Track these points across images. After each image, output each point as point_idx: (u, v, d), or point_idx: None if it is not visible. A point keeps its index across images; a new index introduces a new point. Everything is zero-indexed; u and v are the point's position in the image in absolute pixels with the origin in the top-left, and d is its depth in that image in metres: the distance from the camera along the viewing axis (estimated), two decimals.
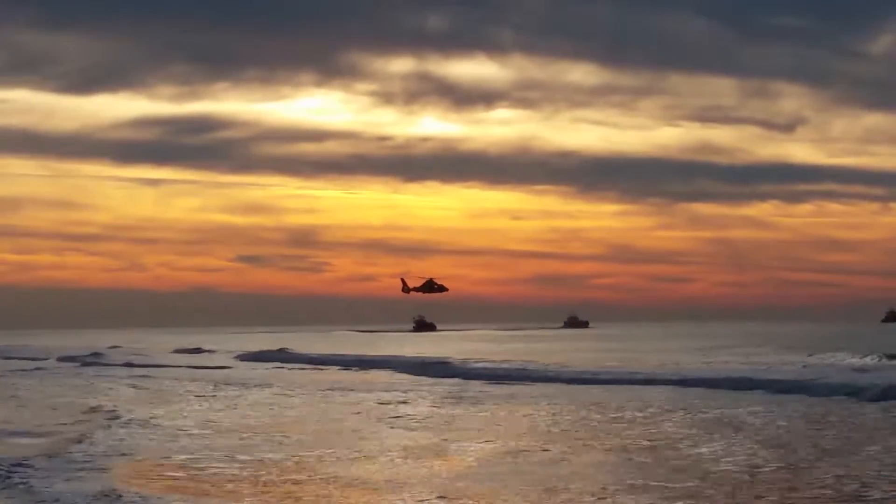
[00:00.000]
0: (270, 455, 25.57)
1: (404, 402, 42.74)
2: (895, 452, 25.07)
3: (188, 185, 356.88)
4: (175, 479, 22.03)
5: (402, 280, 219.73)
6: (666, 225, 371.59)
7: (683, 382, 50.70)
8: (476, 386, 53.10)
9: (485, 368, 65.76)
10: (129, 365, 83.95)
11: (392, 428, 32.32)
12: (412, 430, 31.69)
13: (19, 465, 23.10)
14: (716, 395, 43.92)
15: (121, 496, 19.28)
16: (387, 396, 46.23)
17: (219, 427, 32.78)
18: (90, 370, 77.49)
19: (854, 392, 41.75)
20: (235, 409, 40.43)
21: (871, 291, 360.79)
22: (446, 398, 44.59)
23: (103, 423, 33.47)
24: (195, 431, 31.37)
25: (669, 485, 20.64)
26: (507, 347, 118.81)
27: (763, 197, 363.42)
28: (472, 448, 26.82)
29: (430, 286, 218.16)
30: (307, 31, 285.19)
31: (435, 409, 39.43)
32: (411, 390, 50.36)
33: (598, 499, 19.31)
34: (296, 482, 21.41)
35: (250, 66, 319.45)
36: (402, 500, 19.44)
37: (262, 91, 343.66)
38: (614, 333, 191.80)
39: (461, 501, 19.17)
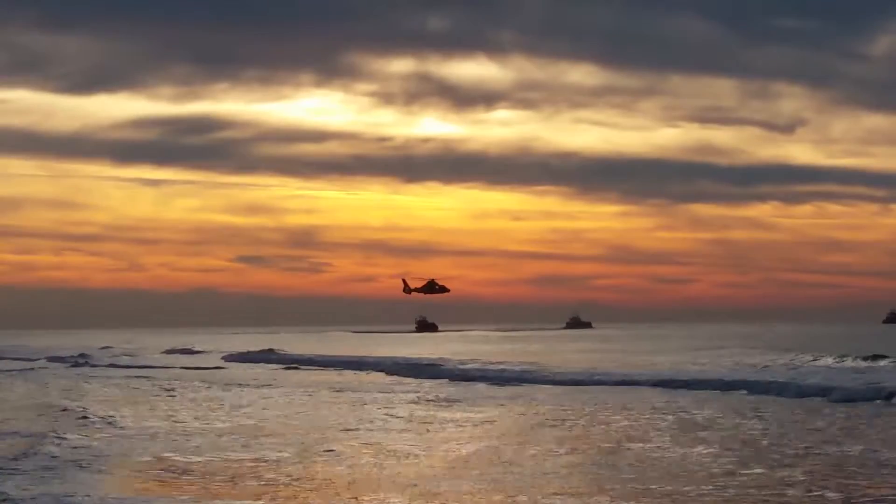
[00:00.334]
0: (230, 455, 25.50)
1: (377, 404, 42.63)
2: (831, 455, 25.04)
3: (188, 185, 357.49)
4: (115, 478, 22.01)
5: (404, 281, 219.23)
6: (666, 226, 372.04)
7: (664, 384, 50.91)
8: (458, 387, 53.13)
9: (476, 370, 65.69)
10: (114, 366, 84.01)
11: (350, 430, 32.09)
12: (373, 431, 31.59)
13: None
14: (689, 397, 43.96)
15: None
16: (363, 397, 46.15)
17: (184, 428, 32.62)
18: (76, 371, 77.66)
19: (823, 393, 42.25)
20: (208, 409, 40.32)
21: (871, 292, 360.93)
22: (422, 400, 44.58)
23: (69, 425, 33.30)
24: (157, 432, 31.23)
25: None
26: (506, 348, 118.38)
27: (763, 198, 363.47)
28: (420, 451, 26.80)
29: (432, 287, 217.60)
30: (307, 32, 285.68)
31: (405, 410, 39.37)
32: (390, 392, 50.28)
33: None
34: (253, 483, 21.39)
35: (250, 66, 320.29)
36: (357, 500, 19.42)
37: (262, 91, 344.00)
38: (615, 334, 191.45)
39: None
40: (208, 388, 53.97)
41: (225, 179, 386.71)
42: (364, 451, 26.36)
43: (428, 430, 31.65)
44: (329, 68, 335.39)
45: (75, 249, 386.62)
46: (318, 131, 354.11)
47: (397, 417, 36.09)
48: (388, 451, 26.36)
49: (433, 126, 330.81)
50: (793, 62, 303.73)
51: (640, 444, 27.20)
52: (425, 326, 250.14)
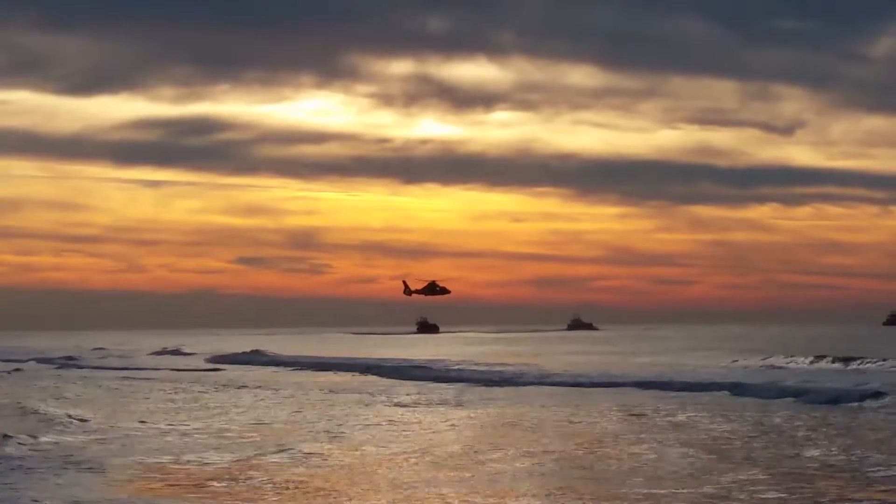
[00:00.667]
0: (188, 457, 25.31)
1: (347, 405, 42.34)
2: (791, 458, 24.93)
3: (189, 186, 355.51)
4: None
5: (404, 282, 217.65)
6: (666, 227, 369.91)
7: (640, 385, 50.92)
8: (438, 389, 52.71)
9: (466, 371, 65.47)
10: (98, 368, 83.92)
11: (310, 433, 31.82)
12: (331, 434, 31.35)
13: None
14: (668, 398, 43.77)
15: None
16: (337, 398, 45.91)
17: (146, 430, 32.44)
18: (59, 372, 77.70)
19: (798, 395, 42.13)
20: (175, 410, 40.07)
21: (870, 294, 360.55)
22: (392, 402, 44.32)
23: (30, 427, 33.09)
24: (113, 434, 31.00)
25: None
26: (507, 350, 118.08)
27: (763, 199, 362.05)
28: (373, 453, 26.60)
29: (433, 288, 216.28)
30: (308, 33, 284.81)
31: (376, 412, 39.12)
32: (369, 392, 49.91)
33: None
34: (206, 484, 21.30)
35: (251, 67, 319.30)
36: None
37: (262, 93, 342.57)
38: (615, 336, 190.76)
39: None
40: (175, 391, 53.56)
41: (225, 181, 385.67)
42: (320, 452, 26.17)
43: (389, 431, 31.34)
44: (329, 69, 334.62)
45: (75, 250, 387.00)
46: (318, 132, 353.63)
47: (362, 418, 35.84)
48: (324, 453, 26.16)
49: (433, 127, 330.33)
50: (793, 63, 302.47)
51: (611, 445, 27.08)
52: (426, 328, 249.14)
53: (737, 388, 46.06)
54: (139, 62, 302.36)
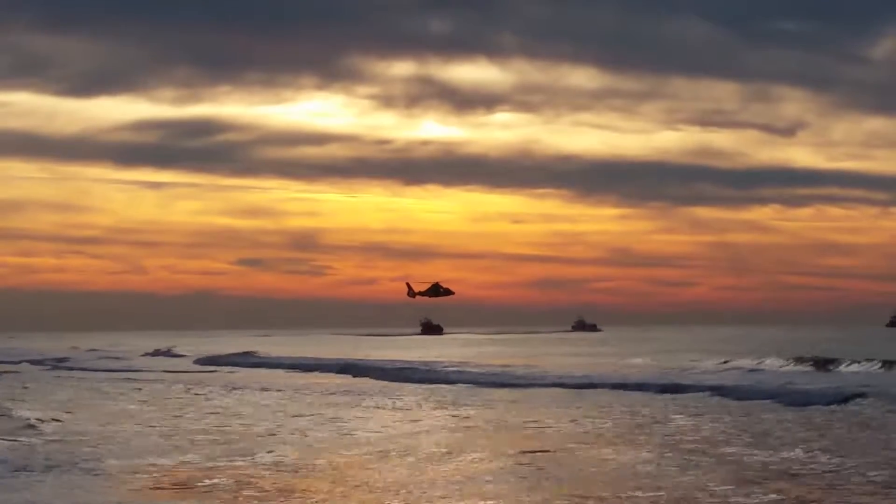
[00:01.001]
0: (147, 459, 25.07)
1: (323, 405, 42.05)
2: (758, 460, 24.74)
3: (189, 188, 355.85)
4: None
5: (408, 284, 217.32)
6: (666, 229, 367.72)
7: (621, 386, 50.87)
8: (424, 391, 52.40)
9: (450, 373, 65.12)
10: (88, 369, 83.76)
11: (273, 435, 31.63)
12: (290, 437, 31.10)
13: None
14: (643, 400, 43.63)
15: None
16: (317, 399, 45.70)
17: (113, 431, 32.22)
18: (51, 373, 77.74)
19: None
20: (144, 412, 39.84)
21: (871, 296, 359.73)
22: (362, 403, 44.14)
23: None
24: (73, 437, 30.76)
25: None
26: (500, 351, 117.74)
27: (764, 201, 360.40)
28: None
29: (437, 290, 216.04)
30: (308, 35, 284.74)
31: (350, 413, 38.93)
32: (353, 393, 49.63)
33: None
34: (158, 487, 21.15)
35: (252, 69, 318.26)
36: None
37: (263, 94, 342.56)
38: (616, 337, 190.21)
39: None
40: (153, 392, 53.51)
41: (226, 182, 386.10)
42: (282, 454, 26.00)
43: (351, 433, 31.08)
44: (330, 71, 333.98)
45: (77, 252, 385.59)
46: (318, 134, 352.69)
47: (331, 419, 35.55)
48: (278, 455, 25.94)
49: (434, 129, 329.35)
50: (794, 65, 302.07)
51: (576, 447, 26.89)
52: (430, 329, 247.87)
53: (719, 390, 45.72)
54: (140, 63, 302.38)
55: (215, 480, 21.80)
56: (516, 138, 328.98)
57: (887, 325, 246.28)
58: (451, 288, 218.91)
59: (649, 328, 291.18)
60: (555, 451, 26.17)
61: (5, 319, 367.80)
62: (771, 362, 67.08)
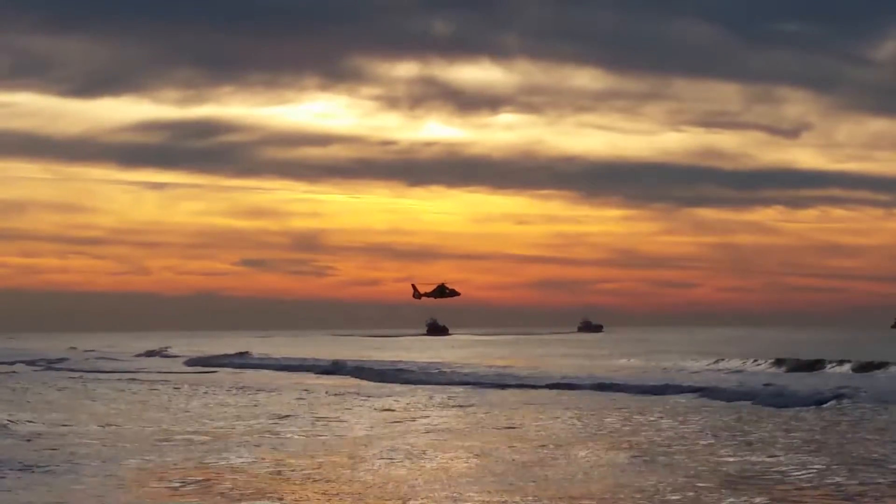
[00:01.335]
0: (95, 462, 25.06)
1: (307, 406, 42.03)
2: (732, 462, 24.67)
3: (193, 188, 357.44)
4: None
5: (413, 286, 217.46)
6: (670, 230, 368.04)
7: (600, 387, 51.08)
8: (411, 392, 52.33)
9: (440, 374, 64.94)
10: (81, 370, 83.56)
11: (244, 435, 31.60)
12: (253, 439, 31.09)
13: None
14: (622, 400, 43.65)
15: None
16: (300, 400, 45.63)
17: (83, 432, 32.17)
18: (43, 374, 77.72)
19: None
20: (116, 413, 39.80)
21: (875, 297, 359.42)
22: (354, 405, 44.13)
23: None
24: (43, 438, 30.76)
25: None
26: (502, 352, 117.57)
27: (767, 202, 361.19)
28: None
29: (442, 291, 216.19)
30: (312, 36, 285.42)
31: (327, 412, 38.87)
32: (336, 394, 49.51)
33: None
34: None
35: (255, 70, 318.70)
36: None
37: (266, 95, 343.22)
38: (610, 338, 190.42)
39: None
40: (131, 391, 53.53)
41: (229, 183, 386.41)
42: (247, 456, 26.00)
43: (316, 433, 31.03)
44: (333, 72, 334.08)
45: (80, 253, 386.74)
46: (322, 135, 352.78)
47: (304, 420, 35.50)
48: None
49: (437, 130, 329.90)
50: (797, 66, 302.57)
51: (545, 448, 26.89)
52: (436, 329, 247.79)
53: (701, 392, 45.71)
54: (143, 64, 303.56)
55: (174, 484, 21.78)
56: (520, 139, 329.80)
57: (892, 327, 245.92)
58: (456, 289, 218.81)
59: (652, 329, 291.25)
60: (540, 451, 26.13)
61: (8, 320, 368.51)
62: (758, 364, 67.01)
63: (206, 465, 24.25)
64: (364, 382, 59.82)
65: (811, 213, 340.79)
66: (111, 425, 34.27)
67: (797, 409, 37.91)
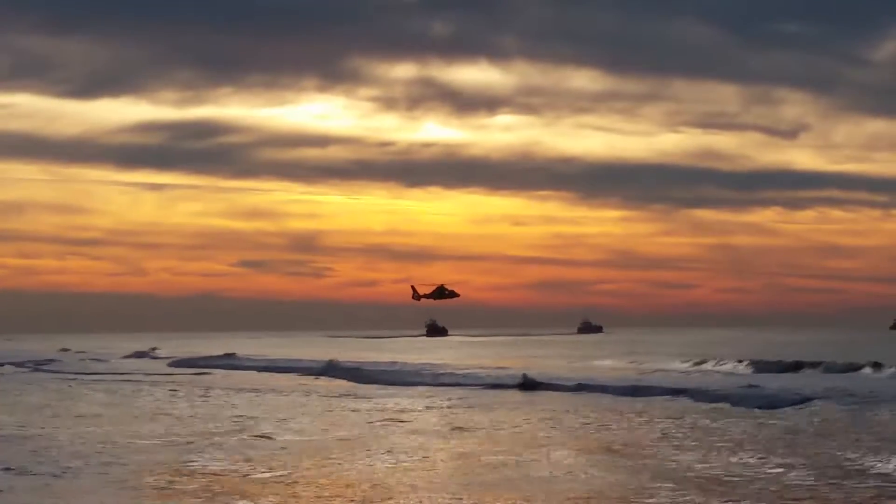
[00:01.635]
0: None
1: (274, 407, 41.94)
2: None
3: (191, 189, 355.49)
4: None
5: (413, 287, 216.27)
6: (668, 231, 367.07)
7: (580, 387, 51.24)
8: (397, 393, 52.32)
9: (428, 375, 64.93)
10: (67, 371, 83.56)
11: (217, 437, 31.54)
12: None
13: None
14: (601, 402, 43.66)
15: None
16: (278, 401, 45.64)
17: (52, 432, 32.11)
18: (28, 375, 77.87)
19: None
20: (91, 414, 39.67)
21: (874, 298, 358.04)
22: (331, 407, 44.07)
23: None
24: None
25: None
26: (497, 353, 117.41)
27: (766, 203, 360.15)
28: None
29: (441, 292, 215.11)
30: (310, 37, 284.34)
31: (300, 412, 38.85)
32: (313, 394, 49.52)
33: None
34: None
35: (253, 71, 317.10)
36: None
37: (264, 96, 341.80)
38: (618, 339, 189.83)
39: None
40: (110, 392, 53.44)
41: (227, 184, 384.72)
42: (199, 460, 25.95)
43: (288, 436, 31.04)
44: (332, 73, 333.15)
45: (78, 254, 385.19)
46: (320, 136, 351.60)
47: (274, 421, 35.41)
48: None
49: (435, 131, 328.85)
50: (796, 67, 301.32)
51: (508, 449, 26.86)
52: (435, 331, 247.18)
53: (679, 393, 45.76)
54: (141, 65, 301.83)
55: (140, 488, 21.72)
56: (518, 140, 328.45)
57: (891, 328, 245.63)
58: (455, 290, 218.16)
59: (651, 330, 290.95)
60: (513, 453, 26.07)
61: (6, 321, 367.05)
62: (745, 365, 67.01)
63: (176, 468, 24.14)
64: (353, 384, 59.60)
65: (809, 213, 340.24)
66: (82, 427, 34.13)
67: (773, 410, 37.88)
